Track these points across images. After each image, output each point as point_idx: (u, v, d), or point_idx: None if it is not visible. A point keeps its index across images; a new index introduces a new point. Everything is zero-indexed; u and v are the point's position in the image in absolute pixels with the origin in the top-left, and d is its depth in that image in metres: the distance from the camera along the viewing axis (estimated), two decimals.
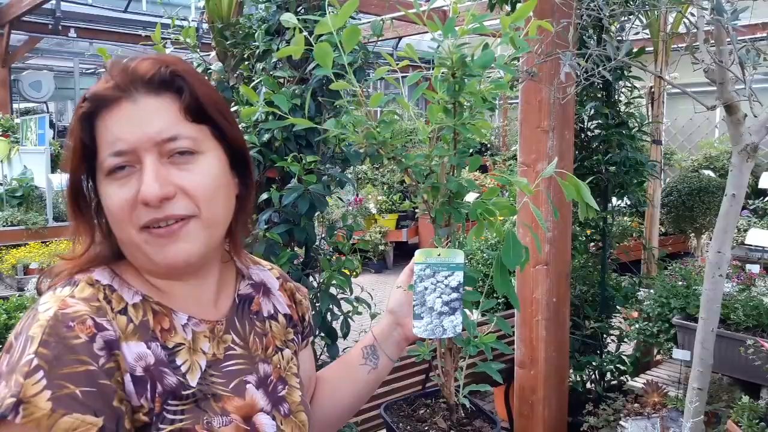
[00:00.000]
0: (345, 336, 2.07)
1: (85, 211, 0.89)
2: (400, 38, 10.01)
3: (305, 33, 0.96)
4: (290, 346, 1.05)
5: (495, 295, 1.15)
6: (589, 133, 3.21)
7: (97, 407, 0.75)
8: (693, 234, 6.48)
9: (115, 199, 0.84)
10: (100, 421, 0.75)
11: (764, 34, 6.11)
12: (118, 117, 0.85)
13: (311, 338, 1.14)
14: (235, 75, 2.21)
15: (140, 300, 0.88)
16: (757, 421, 2.09)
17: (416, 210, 8.56)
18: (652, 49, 3.86)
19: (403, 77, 1.11)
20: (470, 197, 1.09)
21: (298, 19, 0.97)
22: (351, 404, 1.17)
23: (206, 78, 0.96)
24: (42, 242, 6.23)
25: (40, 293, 0.88)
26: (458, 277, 1.03)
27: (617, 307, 3.25)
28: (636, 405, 2.46)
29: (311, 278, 2.07)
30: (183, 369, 0.87)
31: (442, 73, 0.93)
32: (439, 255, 1.03)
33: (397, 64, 1.04)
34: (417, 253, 1.03)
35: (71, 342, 0.77)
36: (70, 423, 0.73)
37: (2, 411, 0.71)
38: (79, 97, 0.88)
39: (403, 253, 8.73)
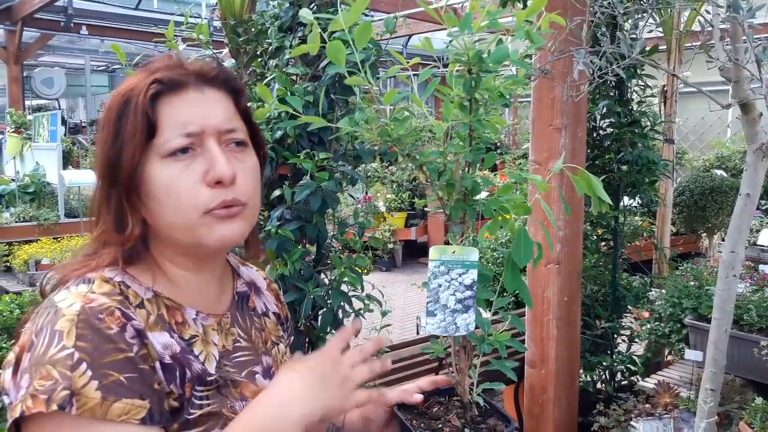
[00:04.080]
0: (356, 334, 2.06)
1: (135, 194, 0.88)
2: (409, 36, 9.99)
3: (319, 30, 0.96)
4: (282, 342, 1.10)
5: (505, 293, 1.15)
6: (601, 132, 3.19)
7: (143, 390, 0.78)
8: (705, 234, 6.43)
9: (181, 180, 0.85)
10: (147, 403, 0.78)
11: None
12: (187, 101, 0.88)
13: (291, 339, 1.19)
14: (248, 72, 2.21)
15: (152, 296, 0.89)
16: None
17: (425, 208, 8.55)
18: (665, 47, 3.83)
19: (414, 75, 1.11)
20: (482, 196, 1.09)
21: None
22: None
23: None
24: (54, 238, 6.27)
25: (43, 293, 0.89)
26: (472, 274, 1.02)
27: (628, 306, 3.24)
28: (647, 405, 2.44)
29: (323, 275, 2.07)
30: (201, 358, 0.90)
31: (458, 69, 0.93)
32: (453, 252, 1.02)
33: (408, 62, 1.04)
34: (431, 250, 1.03)
35: (106, 332, 0.78)
36: (121, 408, 0.76)
37: (60, 403, 0.73)
38: (134, 84, 0.87)
39: (412, 251, 8.73)
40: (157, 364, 0.83)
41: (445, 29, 0.93)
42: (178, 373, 0.85)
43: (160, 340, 0.85)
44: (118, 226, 0.88)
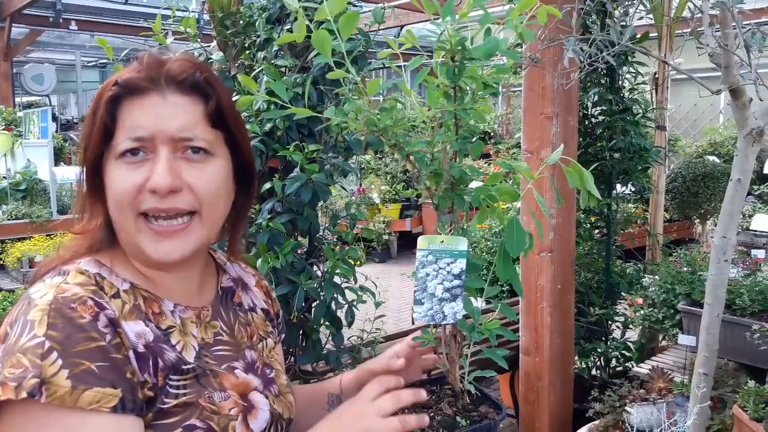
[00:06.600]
0: (350, 325, 2.07)
1: (99, 190, 0.91)
2: (401, 27, 9.95)
3: (306, 20, 0.96)
4: (271, 337, 1.10)
5: (499, 282, 1.15)
6: (593, 120, 3.19)
7: (114, 379, 0.78)
8: (698, 220, 6.45)
9: (123, 180, 0.87)
10: (119, 392, 0.78)
11: None
12: (144, 106, 0.88)
13: (283, 336, 1.19)
14: (237, 64, 2.20)
15: (129, 287, 0.90)
16: (763, 405, 2.08)
17: (419, 199, 8.55)
18: (655, 34, 3.83)
19: (405, 65, 1.10)
20: (473, 185, 1.09)
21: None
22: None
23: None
24: (46, 235, 6.24)
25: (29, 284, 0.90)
26: (461, 264, 1.02)
27: (622, 293, 3.25)
28: (641, 391, 2.45)
29: (315, 267, 2.07)
30: (178, 348, 0.90)
31: (442, 57, 0.92)
32: (442, 242, 1.02)
33: (400, 50, 1.03)
34: (420, 239, 1.03)
35: (78, 321, 0.79)
36: (92, 396, 0.76)
37: (29, 390, 0.73)
38: (106, 82, 0.90)
39: (407, 242, 8.73)
40: (131, 353, 0.83)
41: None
42: (151, 362, 0.85)
43: (134, 329, 0.85)
44: (83, 217, 0.92)
